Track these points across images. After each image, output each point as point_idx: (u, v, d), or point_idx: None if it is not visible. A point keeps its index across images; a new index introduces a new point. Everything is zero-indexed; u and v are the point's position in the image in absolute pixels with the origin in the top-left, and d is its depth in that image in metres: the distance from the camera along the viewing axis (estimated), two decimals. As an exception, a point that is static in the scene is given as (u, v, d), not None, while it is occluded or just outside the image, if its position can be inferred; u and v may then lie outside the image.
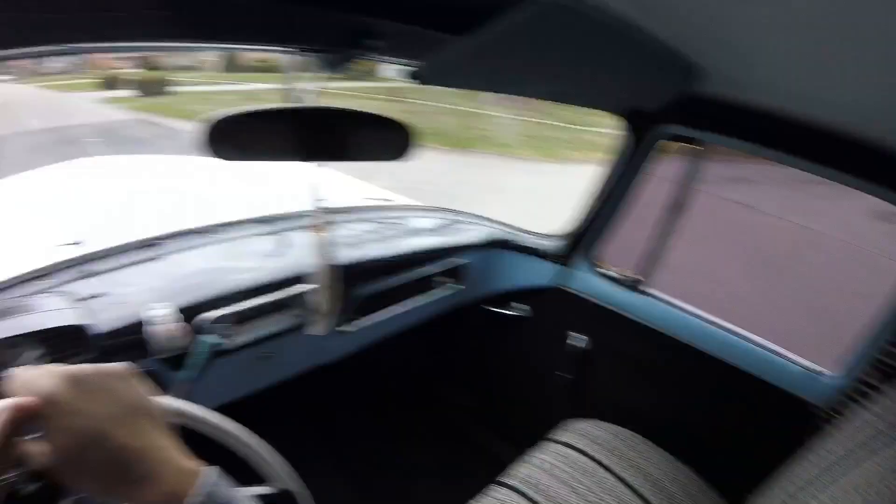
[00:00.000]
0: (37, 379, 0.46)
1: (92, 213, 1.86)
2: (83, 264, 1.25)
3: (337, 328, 1.41)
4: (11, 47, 0.59)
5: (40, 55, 0.64)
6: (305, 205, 1.64)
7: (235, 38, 0.73)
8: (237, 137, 0.75)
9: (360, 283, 1.43)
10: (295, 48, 0.78)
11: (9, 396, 0.45)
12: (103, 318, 1.06)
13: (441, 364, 2.07)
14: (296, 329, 1.30)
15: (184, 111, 14.98)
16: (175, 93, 20.76)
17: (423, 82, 0.82)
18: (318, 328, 1.25)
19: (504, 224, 1.89)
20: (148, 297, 1.14)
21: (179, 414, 0.59)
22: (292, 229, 1.55)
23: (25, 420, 0.43)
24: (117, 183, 2.32)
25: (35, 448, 0.44)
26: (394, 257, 1.55)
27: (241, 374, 1.29)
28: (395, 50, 0.86)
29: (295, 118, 0.78)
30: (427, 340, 1.92)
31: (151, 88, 20.62)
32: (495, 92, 1.11)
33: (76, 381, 0.45)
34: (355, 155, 0.85)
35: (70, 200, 2.08)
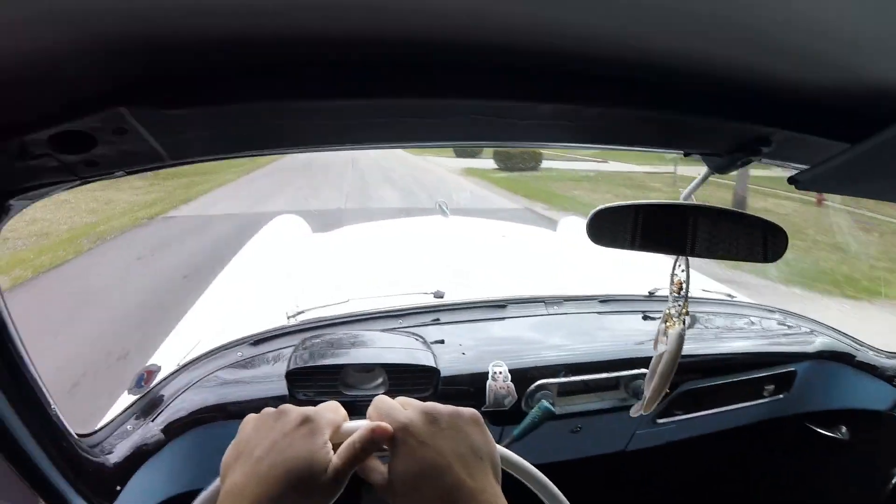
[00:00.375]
0: (396, 408, 0.53)
1: (453, 265, 2.21)
2: (437, 312, 1.49)
3: (653, 419, 1.38)
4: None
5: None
6: (650, 289, 1.70)
7: (633, 143, 0.82)
8: (616, 227, 0.85)
9: (687, 376, 1.38)
10: (685, 152, 0.85)
11: (370, 418, 0.53)
12: (443, 363, 1.23)
13: (740, 472, 1.85)
14: (613, 410, 1.32)
15: (562, 199, 13.09)
16: (539, 168, 19.09)
17: (800, 187, 0.80)
18: (637, 414, 1.25)
19: (844, 334, 1.62)
20: (485, 353, 1.29)
21: (512, 464, 0.64)
22: (631, 312, 1.60)
23: (380, 442, 0.50)
24: (478, 242, 2.70)
25: (377, 466, 0.51)
26: (724, 355, 1.46)
27: (549, 442, 1.36)
28: (780, 155, 0.85)
29: (671, 213, 0.84)
30: (734, 446, 1.75)
31: (516, 162, 18.53)
32: (867, 198, 1.01)
33: (432, 418, 0.51)
34: (725, 253, 0.86)
35: (433, 251, 2.49)
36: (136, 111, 0.54)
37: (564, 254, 2.58)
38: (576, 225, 3.20)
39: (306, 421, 0.50)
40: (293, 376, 1.15)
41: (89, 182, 0.66)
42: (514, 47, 0.56)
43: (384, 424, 0.51)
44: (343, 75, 0.57)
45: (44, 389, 0.84)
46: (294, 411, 0.52)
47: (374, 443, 0.50)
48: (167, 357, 1.49)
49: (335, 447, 0.50)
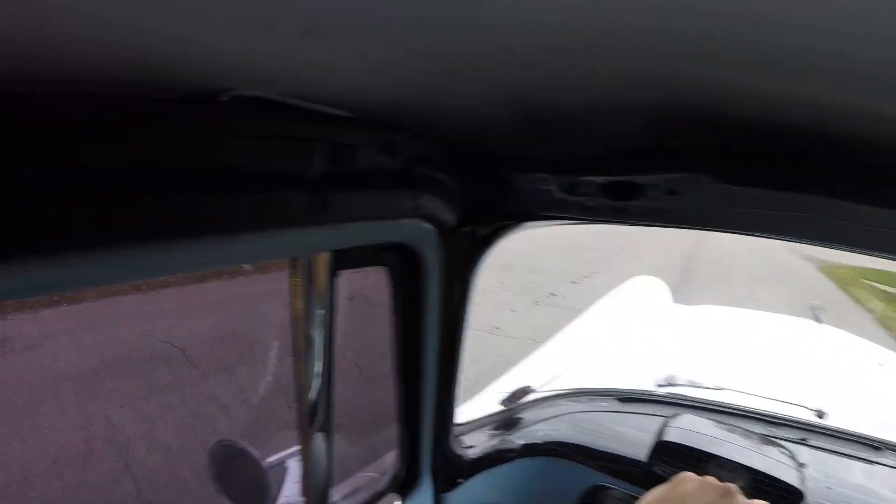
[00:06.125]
0: None
1: (819, 380, 2.00)
2: (807, 432, 1.34)
3: None
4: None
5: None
6: None
7: None
8: None
9: None
10: None
11: None
12: (806, 489, 1.09)
13: None
14: None
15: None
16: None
17: None
18: None
19: None
20: (848, 496, 1.15)
21: None
22: None
23: None
24: (850, 362, 2.40)
25: None
26: None
27: None
28: None
29: None
30: None
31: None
32: None
33: None
34: None
35: (799, 358, 2.29)
36: (698, 178, 0.59)
37: None
38: None
39: None
40: (662, 448, 1.14)
41: (602, 223, 0.73)
42: None
43: None
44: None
45: (460, 373, 0.98)
46: (744, 502, 0.55)
47: None
48: (525, 377, 1.66)
49: None
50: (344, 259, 0.74)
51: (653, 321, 2.58)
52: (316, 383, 0.86)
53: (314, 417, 0.90)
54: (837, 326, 2.87)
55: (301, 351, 0.80)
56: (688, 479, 0.55)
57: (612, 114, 0.55)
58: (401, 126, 0.62)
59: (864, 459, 1.29)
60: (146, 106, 0.47)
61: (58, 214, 0.41)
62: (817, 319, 2.70)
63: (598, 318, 2.66)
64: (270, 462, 1.13)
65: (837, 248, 0.68)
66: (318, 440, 0.94)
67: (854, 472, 1.26)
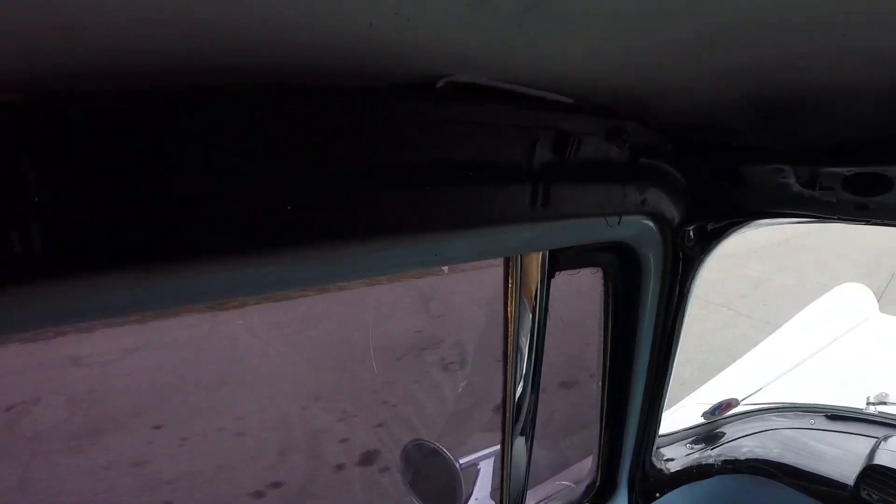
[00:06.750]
0: None
1: None
2: None
3: None
4: None
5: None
6: None
7: None
8: None
9: None
10: None
11: None
12: None
13: None
14: None
15: None
16: None
17: None
18: None
19: None
20: None
21: None
22: None
23: None
24: None
25: None
26: None
27: None
28: None
29: None
30: None
31: None
32: None
33: None
34: None
35: None
36: None
37: None
38: None
39: None
40: (871, 471, 1.06)
41: (841, 222, 0.65)
42: None
43: None
44: None
45: (667, 389, 0.95)
46: None
47: None
48: (721, 387, 1.59)
49: None
50: (559, 260, 0.73)
51: (860, 332, 2.31)
52: (522, 386, 0.86)
53: (517, 420, 0.91)
54: None
55: (511, 353, 0.81)
56: None
57: (856, 96, 0.49)
58: (626, 113, 0.59)
59: None
60: (350, 97, 0.46)
61: (257, 215, 0.43)
62: None
63: (802, 328, 2.44)
64: (463, 463, 1.17)
65: None
66: (519, 443, 0.96)
67: None
